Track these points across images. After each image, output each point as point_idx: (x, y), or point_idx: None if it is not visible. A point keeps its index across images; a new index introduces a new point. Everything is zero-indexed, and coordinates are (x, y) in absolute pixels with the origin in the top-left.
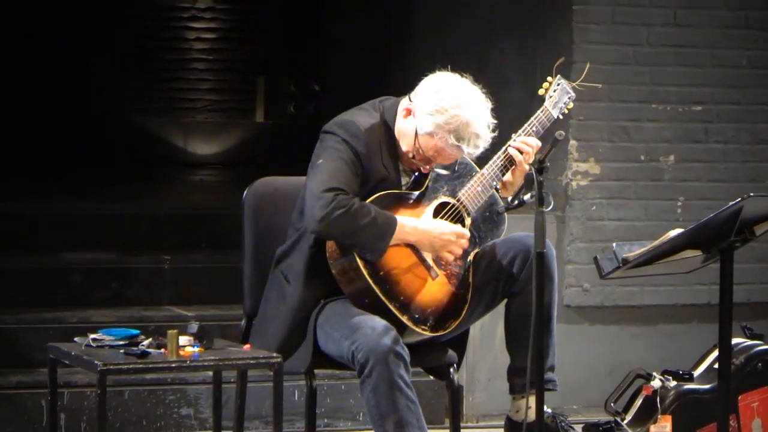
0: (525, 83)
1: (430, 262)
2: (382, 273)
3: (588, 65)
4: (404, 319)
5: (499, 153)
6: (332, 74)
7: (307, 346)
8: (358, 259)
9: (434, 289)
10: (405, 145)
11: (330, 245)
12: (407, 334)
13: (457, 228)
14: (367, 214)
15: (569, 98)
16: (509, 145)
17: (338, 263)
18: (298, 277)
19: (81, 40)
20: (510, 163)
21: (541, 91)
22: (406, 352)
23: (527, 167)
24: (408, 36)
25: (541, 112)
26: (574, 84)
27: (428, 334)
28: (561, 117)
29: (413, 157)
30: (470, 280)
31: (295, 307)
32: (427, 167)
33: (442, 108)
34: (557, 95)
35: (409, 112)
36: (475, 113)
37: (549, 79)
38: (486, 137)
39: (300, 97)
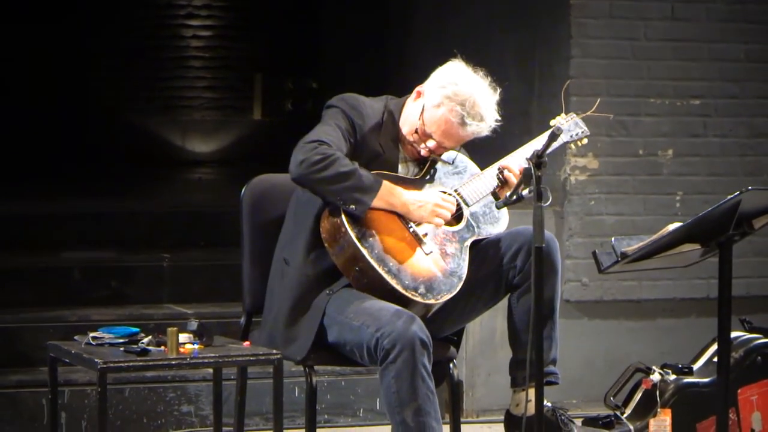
0: (523, 79)
1: (424, 237)
2: (371, 239)
3: (598, 101)
4: (393, 282)
5: (496, 163)
6: (330, 71)
7: (307, 335)
8: (346, 222)
9: (428, 263)
10: (409, 125)
11: (323, 223)
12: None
13: (444, 195)
14: (348, 165)
15: (582, 132)
16: (502, 167)
17: (335, 246)
18: (296, 258)
19: (78, 38)
20: (502, 178)
21: (552, 122)
22: (431, 342)
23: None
24: (406, 32)
25: (550, 131)
26: (584, 114)
27: (419, 300)
28: (573, 147)
29: (416, 131)
30: (466, 262)
31: (294, 285)
32: (427, 149)
33: (453, 81)
34: (568, 125)
35: (419, 95)
36: (483, 94)
37: (562, 114)
38: (489, 123)
39: (297, 95)
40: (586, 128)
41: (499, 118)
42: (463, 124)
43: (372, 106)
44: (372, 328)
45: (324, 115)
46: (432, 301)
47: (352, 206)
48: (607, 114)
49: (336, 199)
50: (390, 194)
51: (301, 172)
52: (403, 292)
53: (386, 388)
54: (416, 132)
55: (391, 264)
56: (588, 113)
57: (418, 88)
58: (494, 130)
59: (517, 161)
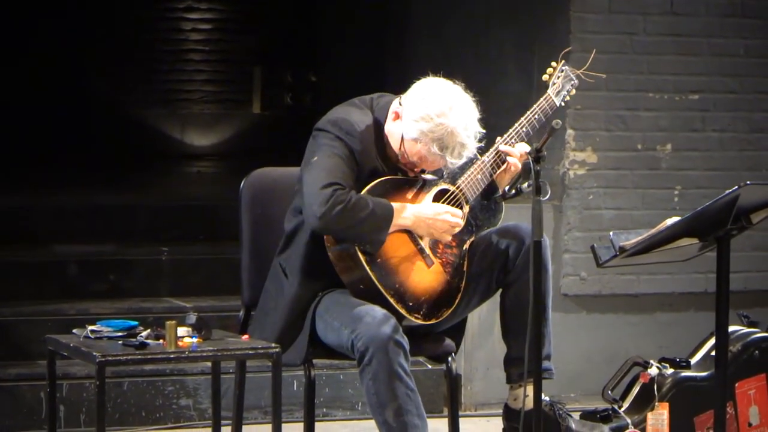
0: (522, 73)
1: (427, 250)
2: (379, 260)
3: (593, 53)
4: (398, 307)
5: (495, 146)
6: (329, 64)
7: (303, 339)
8: (355, 247)
9: (429, 278)
10: (392, 145)
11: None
12: (405, 320)
13: (453, 209)
14: (365, 207)
15: (572, 85)
16: (499, 146)
17: (336, 249)
18: (295, 273)
19: (76, 30)
20: (502, 161)
21: (545, 77)
22: (405, 341)
23: (517, 166)
24: (405, 26)
25: (544, 99)
26: (578, 72)
27: (421, 322)
28: (563, 104)
29: (398, 159)
30: (464, 269)
31: (292, 302)
32: (413, 172)
33: (428, 116)
34: (560, 82)
35: (397, 116)
36: (461, 123)
37: (553, 64)
38: (471, 147)
39: (296, 88)
40: (576, 80)
41: (483, 131)
42: (442, 156)
43: (363, 122)
44: (348, 329)
45: (319, 141)
46: (433, 321)
47: (368, 246)
48: (600, 74)
49: (353, 243)
50: (401, 217)
51: (322, 227)
52: (407, 315)
53: (366, 390)
54: (399, 159)
55: (396, 285)
56: (581, 71)
57: (395, 108)
58: (488, 124)
59: (514, 140)
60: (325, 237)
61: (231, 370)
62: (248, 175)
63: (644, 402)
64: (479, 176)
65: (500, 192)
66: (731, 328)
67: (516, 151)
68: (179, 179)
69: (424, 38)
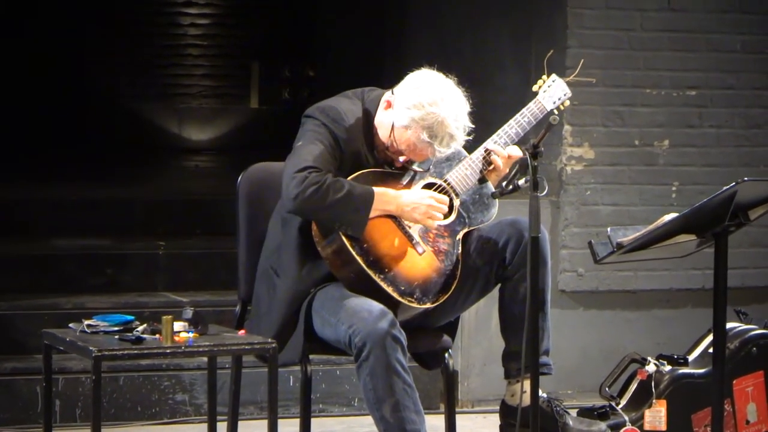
0: (519, 68)
1: (417, 237)
2: (366, 246)
3: (581, 63)
4: (390, 290)
5: (483, 144)
6: (327, 59)
7: (298, 336)
8: (341, 234)
9: (421, 264)
10: (381, 136)
11: (315, 224)
12: (400, 312)
13: (438, 194)
14: (341, 188)
15: (565, 95)
16: (487, 145)
17: (325, 244)
18: (287, 272)
19: (76, 25)
20: (489, 161)
21: (534, 88)
22: (403, 336)
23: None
24: (403, 21)
25: (534, 104)
26: (568, 79)
27: (415, 306)
28: (555, 112)
29: (387, 149)
30: (459, 257)
31: (287, 301)
32: (400, 161)
33: (420, 104)
34: (551, 90)
35: (389, 105)
36: (452, 113)
37: (543, 77)
38: (460, 139)
39: (294, 83)
40: (568, 90)
41: (472, 126)
42: (431, 146)
43: (352, 112)
44: (345, 324)
45: (305, 127)
46: (428, 305)
47: (350, 229)
48: (589, 78)
49: (334, 225)
50: (383, 202)
51: (297, 207)
52: (400, 299)
53: (363, 385)
54: (388, 149)
55: (386, 270)
56: (571, 77)
57: (387, 98)
58: (485, 116)
59: (503, 141)
60: (314, 234)
61: (227, 366)
62: (246, 169)
63: (642, 399)
64: (468, 172)
65: (496, 188)
66: (729, 325)
67: (503, 151)
68: (177, 173)
69: (421, 33)
